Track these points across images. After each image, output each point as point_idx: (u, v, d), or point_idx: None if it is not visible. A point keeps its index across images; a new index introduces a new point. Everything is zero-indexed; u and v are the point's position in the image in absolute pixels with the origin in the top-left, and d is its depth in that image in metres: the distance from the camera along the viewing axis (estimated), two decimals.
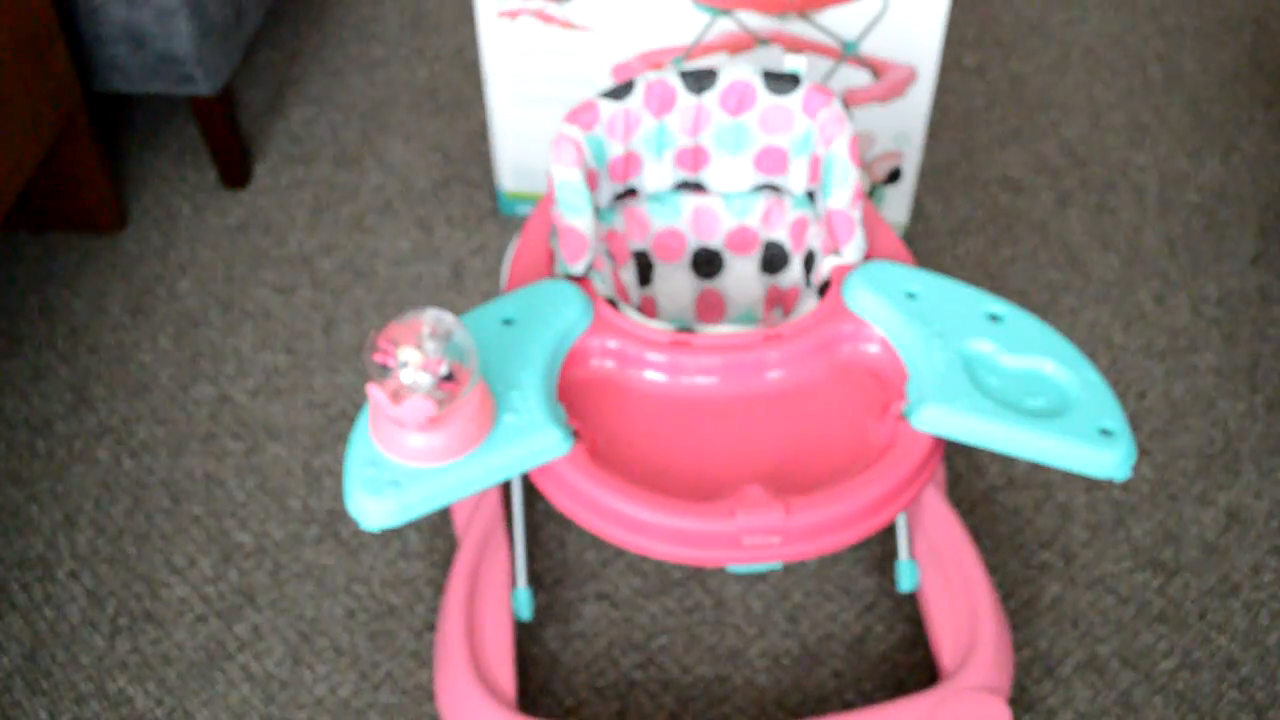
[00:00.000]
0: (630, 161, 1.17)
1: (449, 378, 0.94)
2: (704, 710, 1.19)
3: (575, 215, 1.08)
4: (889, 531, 1.26)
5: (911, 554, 1.23)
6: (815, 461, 1.02)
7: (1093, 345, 1.49)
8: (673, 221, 1.22)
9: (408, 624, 1.24)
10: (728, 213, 1.22)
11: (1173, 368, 1.47)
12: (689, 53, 1.44)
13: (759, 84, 1.13)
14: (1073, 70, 1.87)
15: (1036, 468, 1.36)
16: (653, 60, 1.44)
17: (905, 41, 1.42)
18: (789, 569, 1.28)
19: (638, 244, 1.22)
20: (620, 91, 1.14)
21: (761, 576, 1.27)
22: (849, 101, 1.47)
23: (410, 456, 0.96)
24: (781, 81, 1.13)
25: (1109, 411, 1.00)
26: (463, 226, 1.63)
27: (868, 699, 1.19)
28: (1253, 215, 1.66)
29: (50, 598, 1.27)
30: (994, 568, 1.28)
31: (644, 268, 1.22)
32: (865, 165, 1.55)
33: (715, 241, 1.23)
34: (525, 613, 1.21)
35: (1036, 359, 1.03)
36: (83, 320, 1.53)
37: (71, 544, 1.31)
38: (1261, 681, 1.20)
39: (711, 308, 1.24)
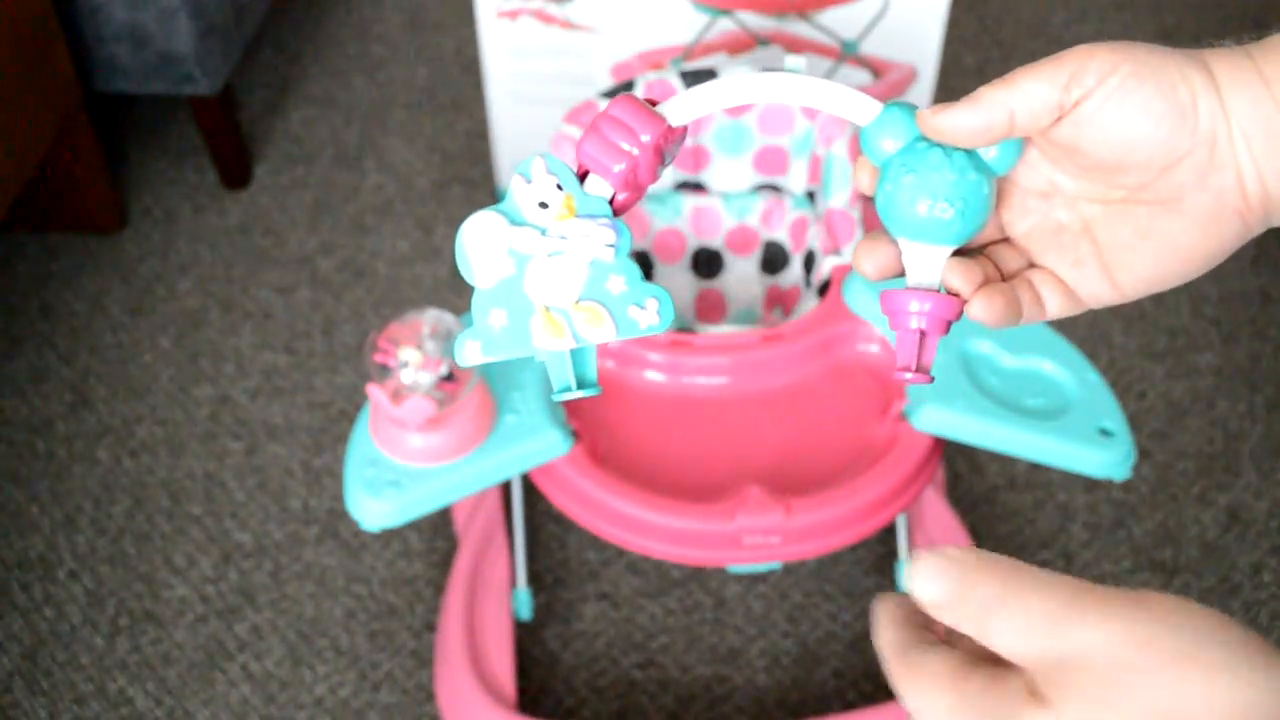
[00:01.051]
0: None
1: (449, 378, 0.94)
2: (704, 710, 1.19)
3: None
4: (889, 531, 1.26)
5: (911, 554, 1.23)
6: (815, 462, 1.02)
7: (1093, 345, 1.49)
8: (673, 221, 1.22)
9: (408, 624, 1.24)
10: (727, 213, 1.22)
11: (1173, 368, 1.47)
12: (689, 53, 1.44)
13: None
14: None
15: (1036, 468, 1.36)
16: (653, 60, 1.44)
17: (905, 41, 1.42)
18: (789, 569, 1.28)
19: (638, 244, 1.22)
20: (620, 91, 1.14)
21: (761, 576, 1.27)
22: None
23: (410, 456, 0.96)
24: None
25: (1108, 411, 1.00)
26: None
27: (868, 699, 1.19)
28: None
29: (50, 598, 1.27)
30: None
31: (644, 268, 1.23)
32: None
33: (715, 241, 1.23)
34: (525, 613, 1.21)
35: (1036, 359, 1.03)
36: (83, 320, 1.53)
37: (71, 544, 1.31)
38: None
39: (711, 308, 1.24)
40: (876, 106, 0.47)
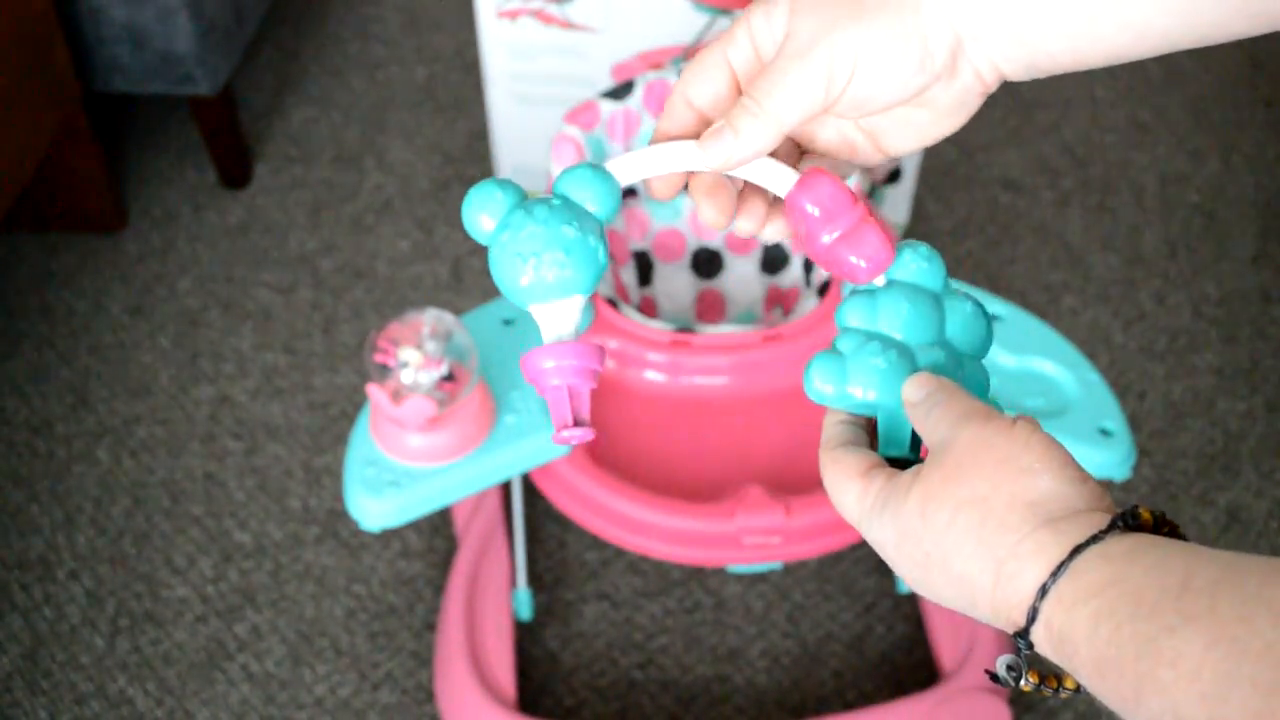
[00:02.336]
0: None
1: (449, 378, 0.94)
2: (704, 710, 1.19)
3: None
4: None
5: None
6: (815, 462, 1.02)
7: (1093, 345, 1.49)
8: (672, 221, 1.22)
9: (408, 624, 1.24)
10: None
11: (1173, 368, 1.47)
12: (689, 53, 1.43)
13: None
14: None
15: None
16: (653, 60, 1.44)
17: None
18: (789, 569, 1.28)
19: (638, 244, 1.22)
20: (620, 91, 1.14)
21: (761, 576, 1.27)
22: None
23: (410, 456, 0.96)
24: None
25: (1109, 411, 1.00)
26: (463, 227, 1.63)
27: (868, 699, 1.19)
28: (1253, 215, 1.66)
29: (50, 598, 1.27)
30: None
31: (644, 268, 1.23)
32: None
33: (715, 241, 1.23)
34: (525, 613, 1.21)
35: (1036, 359, 1.03)
36: (83, 320, 1.53)
37: (71, 544, 1.31)
38: None
39: (711, 308, 1.24)
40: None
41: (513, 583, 1.21)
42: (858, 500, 0.44)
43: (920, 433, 0.44)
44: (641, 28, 1.41)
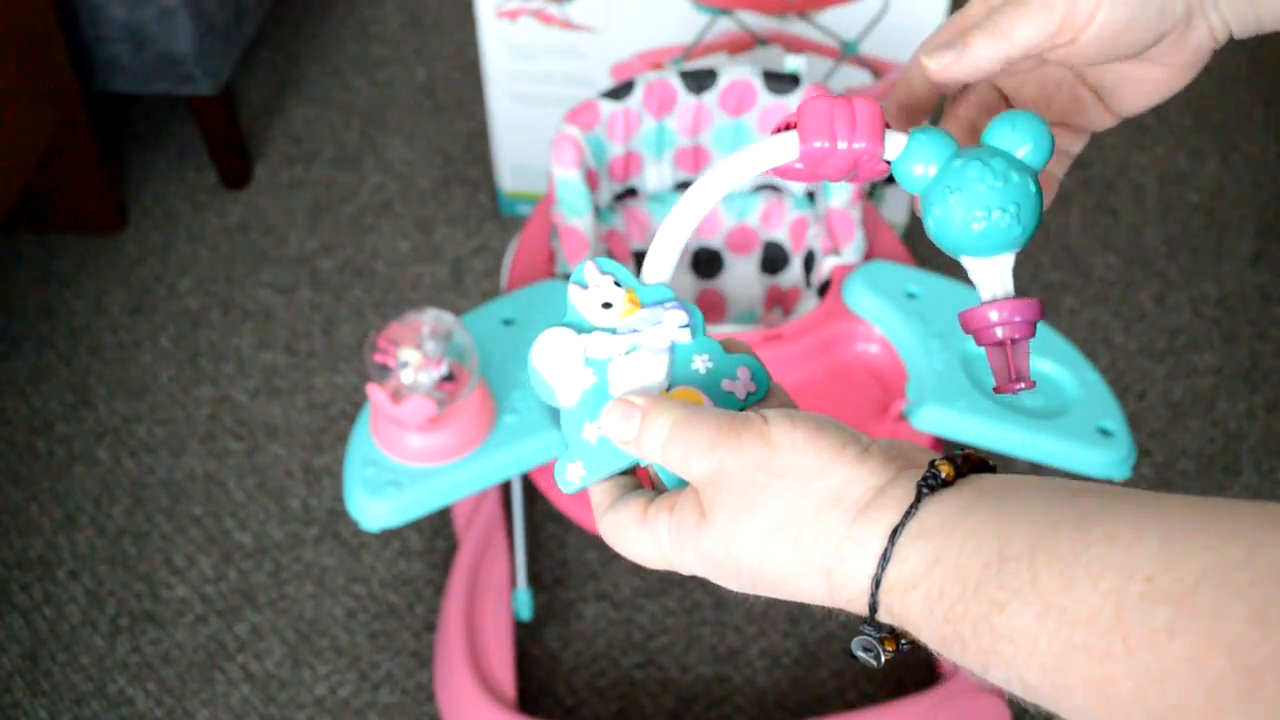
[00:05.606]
0: (630, 161, 1.17)
1: (449, 378, 0.94)
2: (704, 710, 1.19)
3: (575, 215, 1.08)
4: None
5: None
6: None
7: (1093, 345, 1.49)
8: None
9: (408, 624, 1.24)
10: (727, 212, 1.22)
11: (1173, 368, 1.47)
12: (689, 53, 1.43)
13: (759, 84, 1.13)
14: None
15: (1036, 468, 1.36)
16: (653, 60, 1.44)
17: (905, 41, 1.42)
18: None
19: (638, 244, 1.22)
20: (620, 91, 1.14)
21: None
22: None
23: (410, 456, 0.96)
24: (781, 81, 1.13)
25: (1108, 411, 1.00)
26: (463, 226, 1.63)
27: (868, 699, 1.19)
28: (1253, 215, 1.66)
29: (50, 598, 1.27)
30: None
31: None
32: None
33: (715, 241, 1.23)
34: (525, 613, 1.21)
35: (1036, 359, 1.03)
36: (83, 320, 1.53)
37: (71, 544, 1.31)
38: None
39: (712, 308, 1.24)
40: (903, 138, 0.46)
41: (513, 583, 1.21)
42: (652, 545, 0.43)
43: (674, 472, 0.42)
44: (641, 28, 1.41)
